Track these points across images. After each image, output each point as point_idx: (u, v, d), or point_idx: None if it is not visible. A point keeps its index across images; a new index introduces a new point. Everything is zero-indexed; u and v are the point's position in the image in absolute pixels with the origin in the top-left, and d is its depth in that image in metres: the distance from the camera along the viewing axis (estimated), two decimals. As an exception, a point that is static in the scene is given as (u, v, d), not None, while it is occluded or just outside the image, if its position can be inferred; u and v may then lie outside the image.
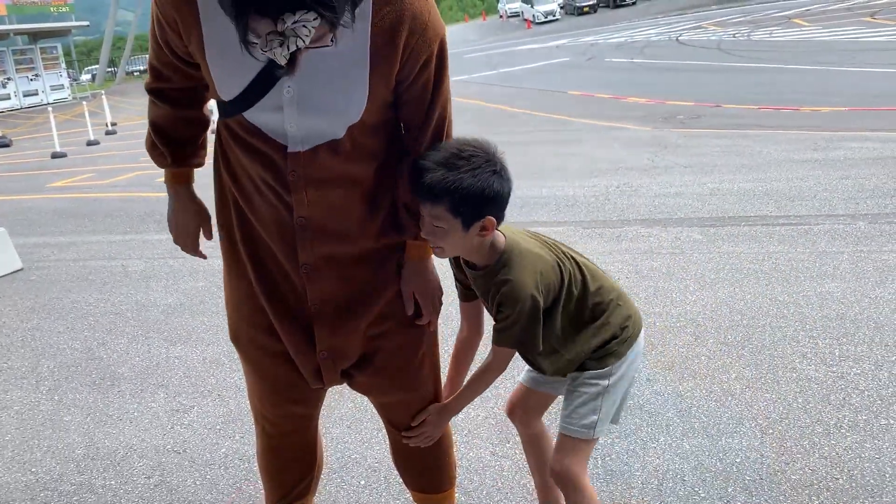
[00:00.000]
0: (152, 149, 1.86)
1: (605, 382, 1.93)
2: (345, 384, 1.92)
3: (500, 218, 1.80)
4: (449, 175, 1.67)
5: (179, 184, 1.90)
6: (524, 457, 2.68)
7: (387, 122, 1.70)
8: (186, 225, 1.95)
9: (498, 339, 1.87)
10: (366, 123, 1.62)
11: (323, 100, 1.56)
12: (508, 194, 1.76)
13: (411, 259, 1.84)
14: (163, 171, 1.89)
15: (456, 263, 1.98)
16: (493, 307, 1.85)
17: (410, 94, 1.65)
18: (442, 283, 1.92)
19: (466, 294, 2.00)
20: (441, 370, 2.04)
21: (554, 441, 2.08)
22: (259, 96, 1.54)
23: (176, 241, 1.99)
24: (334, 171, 1.64)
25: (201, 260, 2.07)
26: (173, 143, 1.83)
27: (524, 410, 2.23)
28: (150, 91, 1.78)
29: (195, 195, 1.93)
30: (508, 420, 2.96)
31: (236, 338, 1.88)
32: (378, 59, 1.54)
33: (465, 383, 2.01)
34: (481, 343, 2.09)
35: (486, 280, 1.85)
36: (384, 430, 2.12)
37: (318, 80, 1.53)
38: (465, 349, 2.09)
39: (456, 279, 2.00)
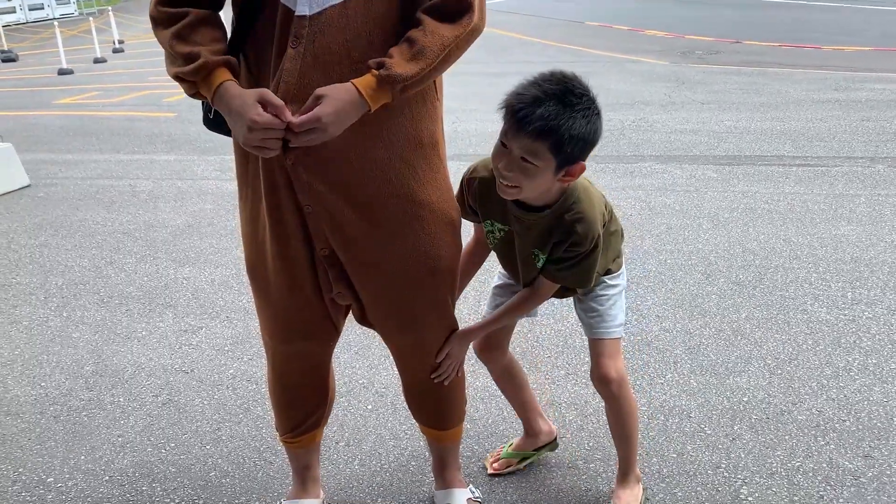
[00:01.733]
0: (177, 62, 1.59)
1: (623, 282, 2.02)
2: (353, 321, 1.89)
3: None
4: (564, 112, 1.57)
5: (224, 82, 1.56)
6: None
7: None
8: (247, 108, 1.52)
9: (556, 275, 1.85)
10: None
11: None
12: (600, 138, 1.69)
13: (354, 83, 1.52)
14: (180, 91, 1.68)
15: (470, 202, 1.91)
16: (558, 245, 1.79)
17: None
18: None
19: (476, 219, 1.98)
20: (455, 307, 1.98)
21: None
22: None
23: (255, 138, 1.51)
24: (340, 45, 1.54)
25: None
26: (200, 49, 1.58)
27: (497, 346, 2.21)
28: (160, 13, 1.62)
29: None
30: (514, 350, 2.97)
31: (252, 268, 1.83)
32: None
33: (498, 310, 2.00)
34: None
35: (551, 220, 1.77)
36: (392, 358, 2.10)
37: None
38: (471, 261, 2.07)
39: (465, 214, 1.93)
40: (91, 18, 16.74)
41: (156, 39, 1.68)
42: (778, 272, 3.52)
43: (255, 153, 1.57)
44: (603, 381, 1.98)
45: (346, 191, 1.66)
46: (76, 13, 30.01)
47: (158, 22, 1.62)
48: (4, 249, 4.45)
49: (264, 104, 1.49)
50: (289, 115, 1.50)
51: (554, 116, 1.56)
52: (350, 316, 1.92)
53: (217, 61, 1.55)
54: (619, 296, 2.00)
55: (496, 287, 2.17)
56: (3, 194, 5.56)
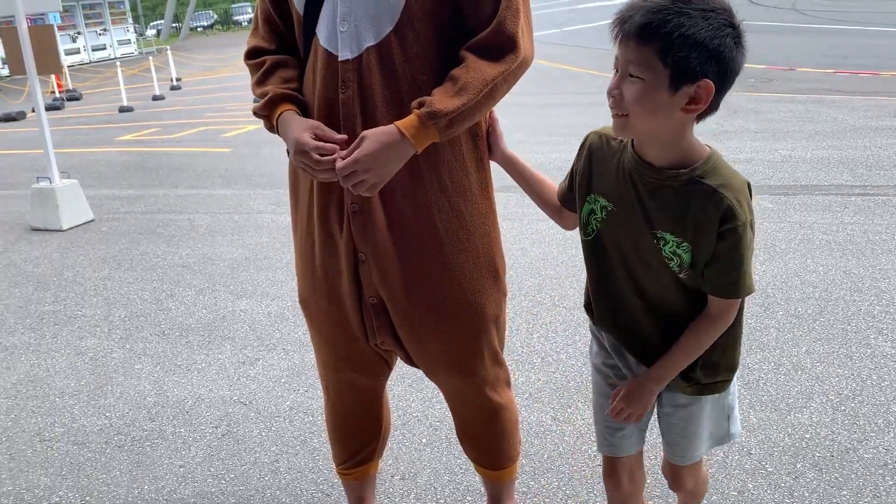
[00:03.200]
0: (253, 113, 1.74)
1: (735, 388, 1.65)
2: (399, 360, 1.91)
3: (718, 100, 1.35)
4: (674, 7, 1.28)
5: (285, 111, 1.68)
6: (585, 422, 2.68)
7: (438, 27, 1.60)
8: (297, 131, 1.62)
9: (711, 275, 1.43)
10: (414, 16, 1.57)
11: None
12: (738, 73, 1.34)
13: (396, 125, 1.55)
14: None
15: (570, 178, 1.63)
16: (701, 223, 1.39)
17: None
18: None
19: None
20: (503, 352, 1.97)
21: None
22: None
23: (302, 158, 1.59)
24: (384, 87, 1.59)
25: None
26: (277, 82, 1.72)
27: (630, 476, 1.78)
28: (251, 53, 1.79)
29: None
30: (570, 385, 2.95)
31: (303, 300, 1.88)
32: None
33: (676, 346, 1.52)
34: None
35: (686, 184, 1.40)
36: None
37: None
38: (553, 203, 1.77)
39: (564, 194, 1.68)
40: (150, 58, 17.35)
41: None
42: (839, 305, 3.44)
43: (305, 172, 1.64)
44: (681, 490, 1.84)
45: (394, 235, 1.68)
46: (136, 52, 31.18)
47: (251, 74, 1.79)
48: (70, 282, 4.62)
49: (318, 136, 1.59)
50: (336, 138, 1.59)
51: (659, 10, 1.28)
52: None
53: (280, 94, 1.67)
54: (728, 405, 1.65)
55: (597, 365, 1.73)
56: (69, 229, 5.78)
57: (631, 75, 1.33)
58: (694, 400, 1.61)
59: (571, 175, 1.65)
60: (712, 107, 1.36)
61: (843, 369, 2.91)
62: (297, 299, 1.92)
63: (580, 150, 1.61)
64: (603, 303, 1.62)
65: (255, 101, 1.74)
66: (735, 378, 1.64)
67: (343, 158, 1.55)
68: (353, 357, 1.87)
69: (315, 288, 1.81)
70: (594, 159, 1.57)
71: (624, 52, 1.34)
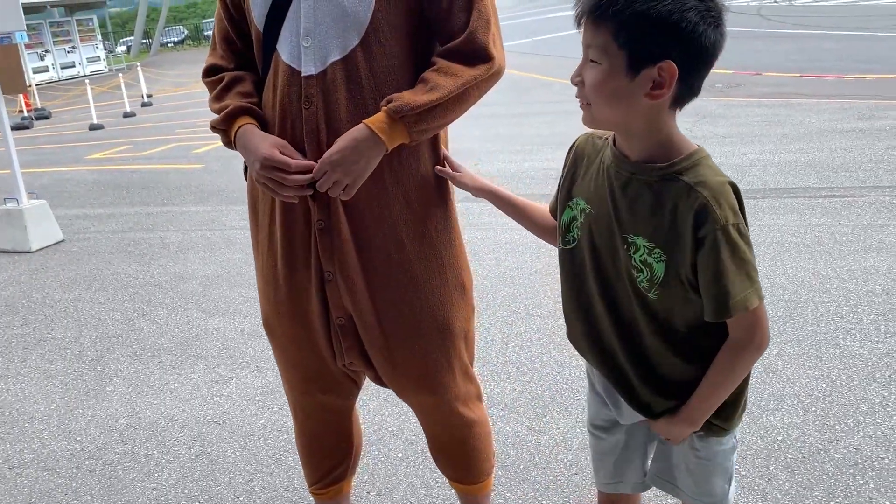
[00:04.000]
0: (211, 127, 1.74)
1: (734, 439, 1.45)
2: (368, 379, 1.90)
3: (693, 83, 1.22)
4: None
5: (245, 125, 1.66)
6: (560, 431, 2.68)
7: (406, 41, 1.61)
8: (264, 147, 1.60)
9: (741, 296, 1.22)
10: (381, 30, 1.57)
11: None
12: (713, 52, 1.20)
13: (365, 122, 1.55)
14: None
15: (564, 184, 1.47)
16: (674, 226, 1.24)
17: (436, 4, 1.59)
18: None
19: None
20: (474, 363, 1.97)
21: None
22: (284, 9, 1.59)
23: (268, 174, 1.57)
24: (350, 102, 1.58)
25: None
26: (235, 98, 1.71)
27: None
28: (209, 70, 1.78)
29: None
30: (545, 394, 2.96)
31: (267, 323, 1.86)
32: None
33: (707, 378, 1.32)
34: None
35: (659, 181, 1.26)
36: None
37: None
38: (543, 223, 1.64)
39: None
40: (120, 74, 17.21)
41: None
42: (808, 306, 3.49)
43: (266, 190, 1.61)
44: None
45: (361, 253, 1.67)
46: (106, 69, 30.89)
47: (208, 91, 1.77)
48: (40, 305, 4.55)
49: (282, 152, 1.57)
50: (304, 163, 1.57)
51: None
52: None
53: (239, 107, 1.66)
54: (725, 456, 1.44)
55: (594, 428, 1.59)
56: (39, 250, 5.70)
57: (591, 60, 1.23)
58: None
59: (560, 183, 1.52)
60: (689, 91, 1.22)
61: (814, 370, 2.95)
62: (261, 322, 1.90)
63: (568, 153, 1.49)
64: (580, 326, 1.46)
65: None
66: (733, 436, 1.44)
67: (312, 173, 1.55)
68: (321, 378, 1.86)
69: (280, 310, 1.79)
70: (578, 160, 1.45)
71: (583, 35, 1.24)
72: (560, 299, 1.52)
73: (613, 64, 1.20)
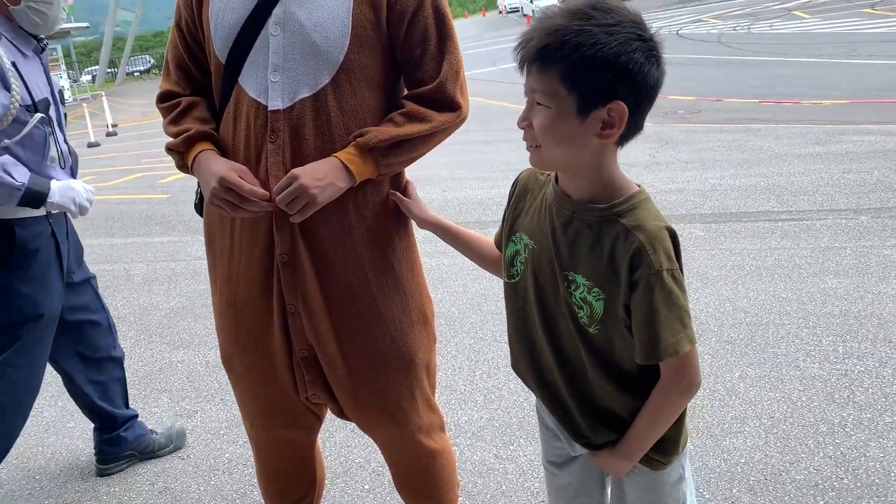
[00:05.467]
0: (167, 148, 1.73)
1: (688, 468, 1.48)
2: (330, 412, 1.89)
3: (638, 120, 1.23)
4: (573, 25, 1.16)
5: (205, 150, 1.67)
6: (527, 458, 2.69)
7: (376, 82, 1.65)
8: (221, 168, 1.60)
9: (672, 340, 1.23)
10: (352, 70, 1.60)
11: (307, 18, 1.57)
12: (656, 89, 1.22)
13: (335, 156, 1.58)
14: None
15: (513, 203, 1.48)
16: (610, 271, 1.26)
17: (409, 52, 1.64)
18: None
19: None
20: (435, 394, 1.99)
21: None
22: (249, 42, 1.60)
23: (223, 195, 1.57)
24: (317, 138, 1.60)
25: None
26: (192, 122, 1.72)
27: None
28: (164, 96, 1.78)
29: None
30: (512, 422, 2.96)
31: (227, 360, 1.84)
32: None
33: (640, 416, 1.35)
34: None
35: (599, 221, 1.27)
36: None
37: (304, 4, 1.58)
38: (490, 256, 1.65)
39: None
40: (85, 104, 17.07)
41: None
42: (769, 329, 3.55)
43: (220, 210, 1.61)
44: None
45: (324, 285, 1.67)
46: (70, 99, 30.60)
47: (163, 117, 1.77)
48: (-1, 340, 4.46)
49: (241, 176, 1.58)
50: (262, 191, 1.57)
51: (556, 30, 1.17)
52: None
53: (201, 132, 1.66)
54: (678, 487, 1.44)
55: (549, 464, 1.59)
56: (-1, 283, 5.60)
57: (538, 103, 1.23)
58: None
59: (504, 217, 1.53)
60: (634, 128, 1.24)
61: (775, 392, 3.00)
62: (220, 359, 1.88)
63: (511, 187, 1.51)
64: (525, 359, 1.47)
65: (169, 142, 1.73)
66: (681, 464, 1.44)
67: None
68: (284, 413, 1.84)
69: (240, 346, 1.77)
70: (521, 195, 1.46)
71: (528, 79, 1.24)
72: None
73: (562, 107, 1.21)
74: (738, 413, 2.87)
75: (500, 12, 53.10)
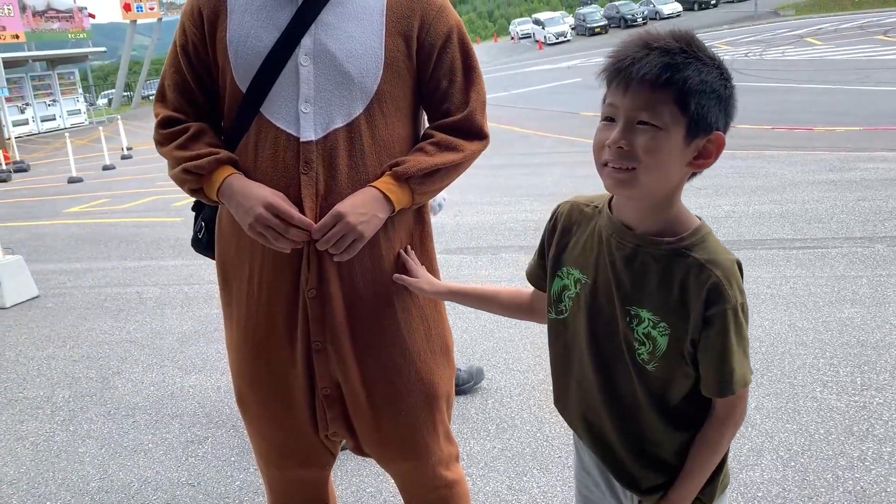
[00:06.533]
0: (183, 169, 1.65)
1: None
2: (349, 450, 1.87)
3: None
4: (689, 50, 1.17)
5: (234, 174, 1.63)
6: (541, 490, 2.65)
7: (407, 112, 1.67)
8: (266, 194, 1.57)
9: (740, 373, 1.23)
10: (384, 100, 1.61)
11: (339, 49, 1.58)
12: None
13: (372, 185, 1.59)
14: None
15: (540, 251, 1.46)
16: (682, 304, 1.23)
17: (436, 83, 1.67)
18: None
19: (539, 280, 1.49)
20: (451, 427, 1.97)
21: None
22: (275, 72, 1.59)
23: (268, 222, 1.54)
24: (350, 168, 1.59)
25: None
26: (207, 148, 1.67)
27: None
28: (166, 122, 1.72)
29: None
30: (525, 452, 2.93)
31: (242, 399, 1.82)
32: (392, 23, 1.62)
33: (689, 461, 1.32)
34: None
35: (667, 256, 1.24)
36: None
37: (334, 34, 1.59)
38: (516, 303, 1.60)
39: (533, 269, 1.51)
40: (101, 127, 17.26)
41: None
42: (785, 359, 3.51)
43: (260, 237, 1.56)
44: None
45: (352, 319, 1.66)
46: (87, 122, 30.97)
47: (162, 143, 1.71)
48: (13, 363, 4.47)
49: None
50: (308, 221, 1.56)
51: (676, 52, 1.16)
52: None
53: (229, 155, 1.63)
54: None
55: (580, 489, 1.53)
56: (13, 306, 5.63)
57: (641, 122, 1.18)
58: None
59: (541, 251, 1.47)
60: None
61: (792, 424, 2.95)
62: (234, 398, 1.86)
63: (550, 221, 1.45)
64: (570, 395, 1.42)
65: (176, 163, 1.65)
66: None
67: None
68: (299, 452, 1.82)
69: (257, 384, 1.75)
70: (566, 229, 1.41)
71: (633, 98, 1.18)
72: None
73: (673, 130, 1.17)
74: (755, 445, 2.83)
75: (512, 38, 53.53)
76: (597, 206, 1.37)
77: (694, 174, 1.25)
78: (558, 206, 1.46)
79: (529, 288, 1.55)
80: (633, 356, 1.28)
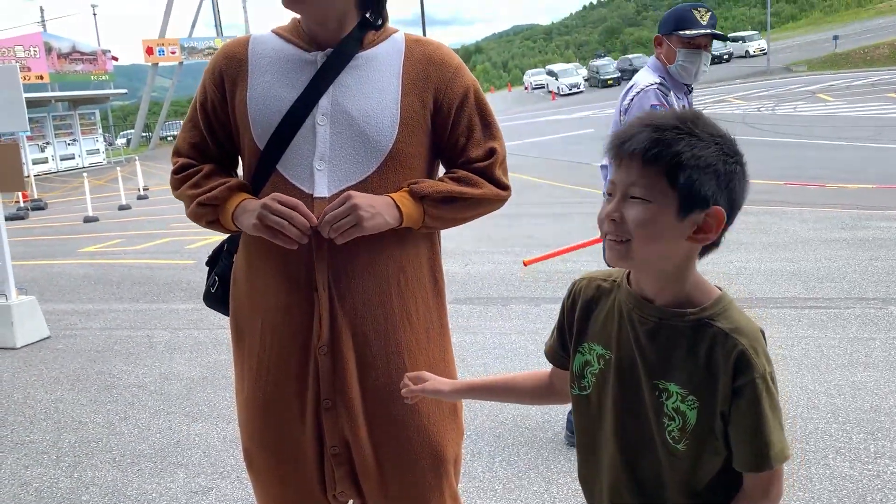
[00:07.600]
0: (198, 203, 1.71)
1: None
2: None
3: (724, 233, 1.24)
4: (684, 127, 1.19)
5: (243, 201, 1.68)
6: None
7: (422, 168, 1.70)
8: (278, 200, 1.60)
9: (779, 447, 1.19)
10: (398, 158, 1.63)
11: (355, 108, 1.62)
12: (741, 206, 1.25)
13: (388, 195, 1.62)
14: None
15: (558, 329, 1.45)
16: (710, 378, 1.21)
17: (454, 140, 1.71)
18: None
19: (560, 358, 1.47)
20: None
21: None
22: (292, 131, 1.62)
23: (274, 213, 1.57)
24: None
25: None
26: (219, 183, 1.72)
27: None
28: (182, 168, 1.77)
29: None
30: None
31: (250, 456, 1.82)
32: (409, 85, 1.66)
33: None
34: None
35: (691, 328, 1.23)
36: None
37: (351, 95, 1.64)
38: (537, 386, 1.55)
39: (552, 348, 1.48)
40: (118, 167, 17.51)
41: None
42: (796, 423, 3.46)
43: (268, 232, 1.57)
44: None
45: (363, 377, 1.66)
46: (105, 162, 31.40)
47: (177, 186, 1.77)
48: (20, 405, 4.47)
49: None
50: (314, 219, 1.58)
51: (668, 128, 1.19)
52: None
53: (241, 182, 1.68)
54: None
55: None
56: (24, 346, 5.65)
57: (633, 197, 1.20)
58: None
59: (560, 328, 1.45)
60: (720, 239, 1.24)
61: (804, 492, 2.90)
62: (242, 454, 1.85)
63: (567, 298, 1.44)
64: (597, 474, 1.38)
65: (191, 200, 1.71)
66: None
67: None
68: None
69: (265, 440, 1.75)
70: (585, 305, 1.40)
71: (626, 173, 1.21)
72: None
73: (663, 204, 1.18)
74: (766, 513, 2.78)
75: (526, 88, 54.21)
76: (615, 280, 1.37)
77: (707, 248, 1.25)
78: (576, 283, 1.46)
79: (546, 368, 1.54)
80: (663, 433, 1.25)
